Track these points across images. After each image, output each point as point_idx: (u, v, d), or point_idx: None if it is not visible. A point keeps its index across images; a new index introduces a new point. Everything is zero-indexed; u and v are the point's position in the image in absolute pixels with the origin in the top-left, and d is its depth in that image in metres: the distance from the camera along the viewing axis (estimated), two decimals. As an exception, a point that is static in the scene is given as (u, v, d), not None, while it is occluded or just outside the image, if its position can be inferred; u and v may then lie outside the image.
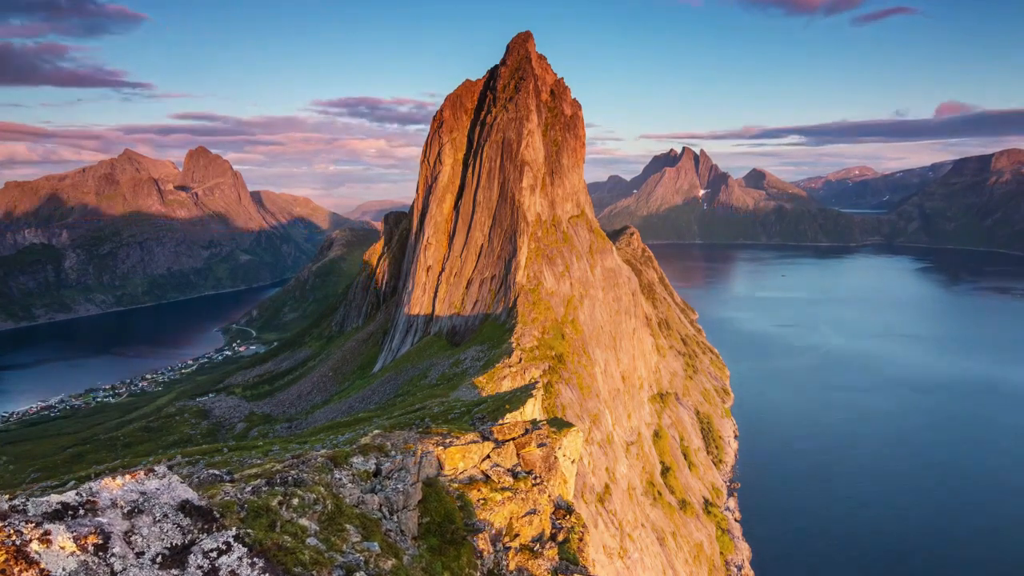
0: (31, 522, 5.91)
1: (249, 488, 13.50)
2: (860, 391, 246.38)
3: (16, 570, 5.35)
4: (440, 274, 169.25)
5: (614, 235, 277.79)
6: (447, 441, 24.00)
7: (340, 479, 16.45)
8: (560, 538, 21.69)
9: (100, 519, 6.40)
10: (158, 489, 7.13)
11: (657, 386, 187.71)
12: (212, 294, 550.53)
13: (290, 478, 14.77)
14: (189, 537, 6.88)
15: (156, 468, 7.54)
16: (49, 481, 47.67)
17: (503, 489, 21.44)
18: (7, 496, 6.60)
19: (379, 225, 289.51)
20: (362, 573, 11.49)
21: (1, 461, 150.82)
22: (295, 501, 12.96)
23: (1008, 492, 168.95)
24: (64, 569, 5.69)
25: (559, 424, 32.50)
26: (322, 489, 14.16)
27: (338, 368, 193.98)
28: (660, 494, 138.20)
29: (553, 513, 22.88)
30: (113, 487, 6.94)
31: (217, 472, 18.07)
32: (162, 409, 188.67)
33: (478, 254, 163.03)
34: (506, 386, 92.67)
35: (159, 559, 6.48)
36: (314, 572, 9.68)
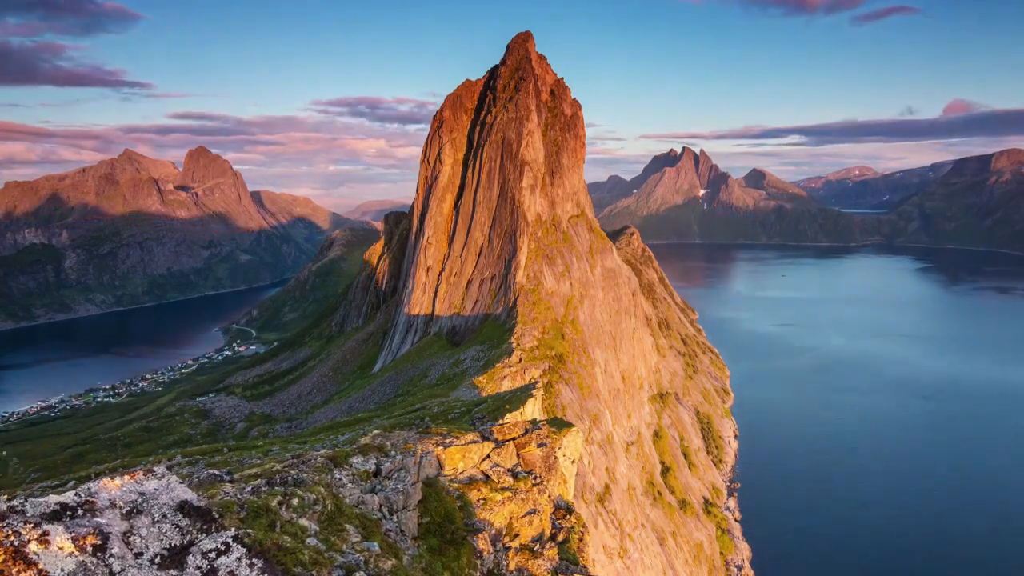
0: (29, 523, 5.90)
1: (249, 488, 13.49)
2: (860, 391, 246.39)
3: (14, 571, 5.33)
4: (440, 274, 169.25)
5: (614, 235, 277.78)
6: (447, 441, 23.98)
7: (340, 479, 16.44)
8: (560, 538, 21.67)
9: (99, 520, 6.38)
10: (157, 490, 7.11)
11: (657, 386, 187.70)
12: (212, 294, 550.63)
13: (290, 478, 14.75)
14: (188, 538, 6.86)
15: (155, 469, 7.53)
16: (49, 481, 47.63)
17: (503, 489, 21.42)
18: (5, 496, 6.59)
19: (379, 225, 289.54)
20: (362, 573, 11.47)
21: (3, 455, 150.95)
22: (295, 501, 12.95)
23: (1009, 492, 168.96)
24: (62, 570, 5.67)
25: (559, 424, 32.48)
26: (322, 489, 14.14)
27: (338, 368, 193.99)
28: (660, 494, 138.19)
29: (553, 513, 22.86)
30: (112, 488, 6.92)
31: (217, 472, 18.06)
32: (162, 409, 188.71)
33: (478, 254, 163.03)
34: (506, 386, 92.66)
35: (158, 560, 6.46)
36: (314, 572, 9.66)
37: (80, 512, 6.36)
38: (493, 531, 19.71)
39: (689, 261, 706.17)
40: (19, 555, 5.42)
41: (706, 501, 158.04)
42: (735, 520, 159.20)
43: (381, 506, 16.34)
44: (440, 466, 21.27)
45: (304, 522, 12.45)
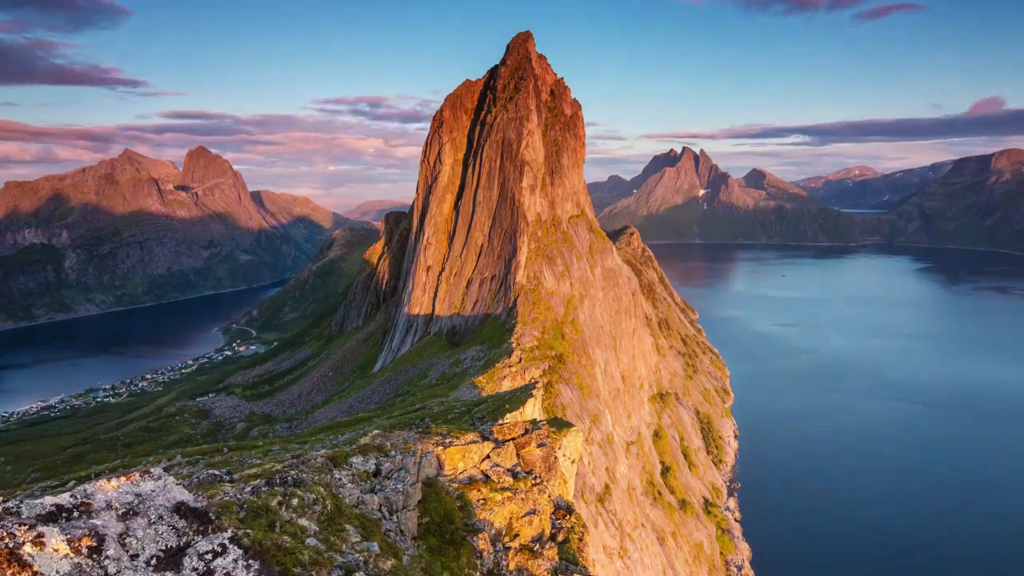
0: (24, 524, 5.85)
1: (249, 488, 13.45)
2: (860, 391, 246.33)
3: (9, 573, 5.28)
4: (440, 274, 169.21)
5: (614, 235, 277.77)
6: (447, 441, 23.94)
7: (340, 479, 16.40)
8: (560, 538, 21.62)
9: (94, 521, 6.33)
10: (153, 491, 7.06)
11: (657, 386, 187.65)
12: (212, 294, 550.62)
13: (290, 478, 14.71)
14: (184, 539, 6.81)
15: (152, 470, 7.48)
16: (49, 481, 47.58)
17: (503, 489, 21.37)
18: (1, 498, 6.53)
19: (379, 225, 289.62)
20: (361, 573, 11.43)
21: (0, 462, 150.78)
22: (295, 501, 12.90)
23: (1009, 492, 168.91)
24: (57, 572, 5.62)
25: (559, 424, 32.42)
26: (322, 489, 14.10)
27: (338, 368, 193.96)
28: (660, 494, 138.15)
29: (553, 513, 22.82)
30: (108, 489, 6.87)
31: (217, 472, 18.01)
32: (162, 409, 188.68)
33: (478, 254, 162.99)
34: (506, 386, 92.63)
35: (154, 561, 6.41)
36: (313, 572, 9.62)
37: (76, 514, 6.31)
38: (493, 531, 19.66)
39: (689, 261, 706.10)
40: (14, 557, 5.37)
41: (706, 501, 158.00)
42: (735, 520, 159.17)
43: (381, 506, 16.30)
44: (440, 466, 21.22)
45: (304, 522, 12.41)
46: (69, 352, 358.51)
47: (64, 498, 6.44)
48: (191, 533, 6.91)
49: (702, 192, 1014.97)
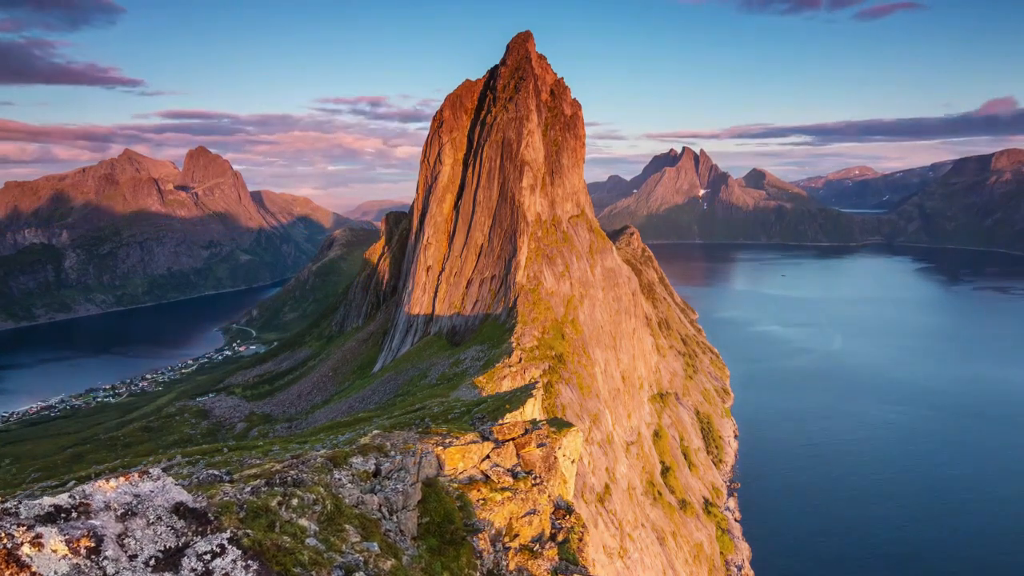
0: (23, 525, 5.83)
1: (248, 488, 13.43)
2: (860, 391, 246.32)
3: (7, 574, 5.26)
4: (440, 274, 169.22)
5: (614, 235, 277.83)
6: (447, 441, 23.92)
7: (340, 479, 16.38)
8: (560, 538, 21.61)
9: (93, 522, 6.31)
10: (152, 491, 7.04)
11: (657, 386, 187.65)
12: (212, 294, 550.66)
13: (289, 478, 14.70)
14: (183, 540, 6.79)
15: (150, 470, 7.46)
16: (49, 481, 47.57)
17: (503, 489, 21.36)
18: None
19: (379, 225, 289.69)
20: (361, 573, 11.42)
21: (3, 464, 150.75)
22: (294, 501, 12.89)
23: (1009, 492, 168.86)
24: (56, 572, 5.61)
25: (559, 424, 32.39)
26: (321, 489, 14.08)
27: (338, 368, 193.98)
28: (660, 494, 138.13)
29: (553, 513, 22.80)
30: (107, 489, 6.85)
31: (216, 472, 18.00)
32: (162, 409, 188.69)
33: (478, 254, 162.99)
34: (506, 386, 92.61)
35: (152, 562, 6.40)
36: (313, 572, 9.61)
37: (74, 514, 6.29)
38: (493, 531, 19.65)
39: (689, 261, 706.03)
40: (12, 558, 5.35)
41: (706, 501, 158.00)
42: (735, 520, 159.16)
43: (381, 506, 16.28)
44: (440, 466, 21.21)
45: (303, 522, 12.39)
46: (69, 352, 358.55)
47: (63, 498, 6.42)
48: (190, 534, 6.89)
49: (702, 192, 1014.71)
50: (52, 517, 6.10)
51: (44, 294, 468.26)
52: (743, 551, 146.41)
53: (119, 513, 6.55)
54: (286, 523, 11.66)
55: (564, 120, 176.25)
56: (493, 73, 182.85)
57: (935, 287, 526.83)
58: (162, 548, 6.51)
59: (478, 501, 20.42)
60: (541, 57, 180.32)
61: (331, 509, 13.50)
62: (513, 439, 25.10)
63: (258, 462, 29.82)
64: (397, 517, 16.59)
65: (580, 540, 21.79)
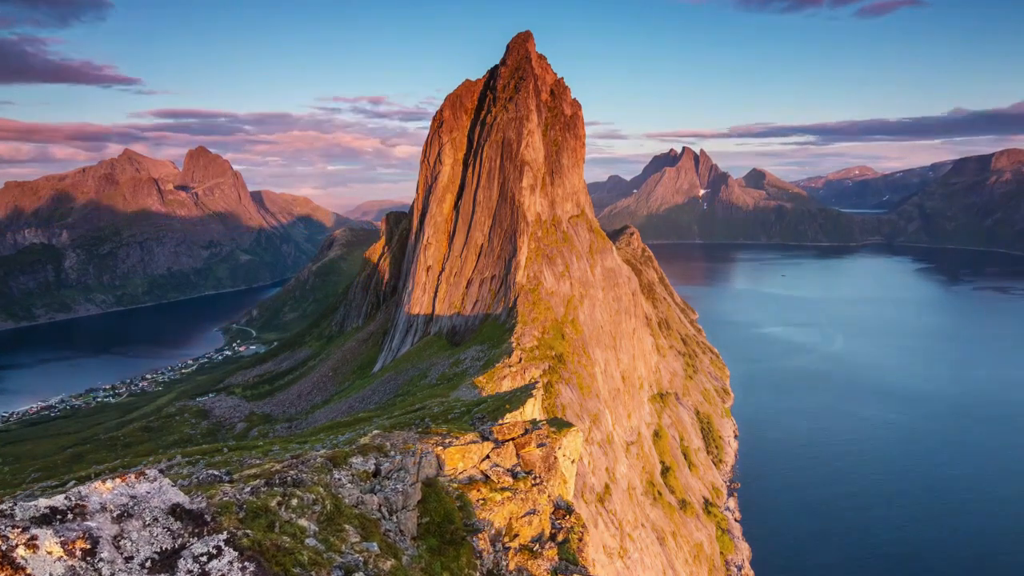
0: (17, 527, 5.78)
1: (248, 488, 13.39)
2: (860, 391, 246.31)
3: (1, 576, 5.21)
4: (440, 274, 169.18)
5: (614, 235, 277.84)
6: (447, 441, 23.88)
7: (339, 479, 16.34)
8: (560, 538, 21.56)
9: (89, 523, 6.26)
10: (148, 493, 6.99)
11: (657, 386, 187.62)
12: (212, 294, 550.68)
13: (289, 478, 14.65)
14: (179, 541, 6.74)
15: (147, 471, 7.42)
16: (49, 481, 47.53)
17: (503, 489, 21.31)
18: (-5, 499, 6.48)
19: (379, 225, 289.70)
20: (361, 573, 11.38)
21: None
22: (294, 501, 12.84)
23: (1010, 492, 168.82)
24: (51, 574, 5.55)
25: (559, 424, 32.34)
26: (321, 489, 14.03)
27: (338, 368, 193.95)
28: (660, 494, 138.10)
29: (553, 513, 22.75)
30: (103, 491, 6.80)
31: (216, 472, 17.97)
32: (162, 409, 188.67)
33: (478, 254, 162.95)
34: (506, 386, 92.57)
35: (148, 564, 6.34)
36: (313, 572, 9.57)
37: (70, 516, 6.24)
38: (493, 531, 19.60)
39: (689, 261, 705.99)
40: (6, 560, 5.30)
41: (706, 501, 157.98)
42: (735, 520, 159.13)
43: (380, 506, 16.24)
44: (440, 466, 21.16)
45: (303, 522, 12.35)
46: (69, 352, 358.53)
47: (58, 500, 6.37)
48: (186, 535, 6.84)
49: (702, 192, 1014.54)
50: (47, 519, 6.05)
51: (44, 294, 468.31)
52: (743, 551, 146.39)
53: (115, 515, 6.50)
54: (286, 523, 11.61)
55: (564, 120, 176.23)
56: (493, 73, 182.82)
57: (935, 287, 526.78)
58: (158, 550, 6.46)
59: (478, 501, 20.37)
60: (541, 57, 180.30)
61: (331, 509, 13.45)
62: (513, 439, 25.05)
63: (258, 462, 29.77)
64: (397, 517, 16.54)
65: (580, 540, 21.74)
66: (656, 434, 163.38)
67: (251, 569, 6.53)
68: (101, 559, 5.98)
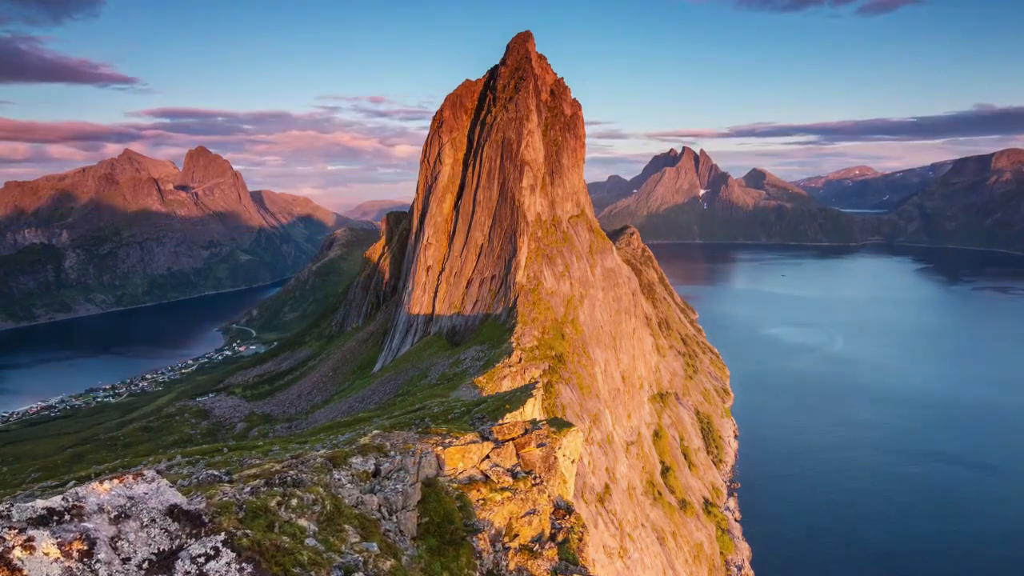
0: (14, 528, 5.74)
1: (248, 489, 13.36)
2: (860, 391, 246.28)
3: (-2, 577, 5.18)
4: (440, 274, 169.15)
5: (614, 235, 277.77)
6: (447, 441, 23.85)
7: (339, 479, 16.31)
8: (560, 538, 21.53)
9: (86, 524, 6.23)
10: (146, 494, 6.96)
11: (657, 386, 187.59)
12: (212, 294, 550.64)
13: (289, 478, 14.62)
14: (177, 542, 6.71)
15: (145, 472, 7.38)
16: (49, 481, 47.49)
17: (503, 489, 21.28)
18: (-7, 499, 6.45)
19: (380, 225, 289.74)
20: (361, 574, 11.35)
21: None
22: (294, 502, 12.81)
23: (1010, 492, 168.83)
24: (48, 576, 5.52)
25: (559, 424, 32.31)
26: (321, 489, 14.00)
27: (338, 368, 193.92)
28: (660, 494, 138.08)
29: (553, 513, 22.72)
30: (100, 491, 6.77)
31: (216, 472, 17.94)
32: (162, 409, 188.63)
33: (478, 254, 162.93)
34: (506, 386, 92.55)
35: (145, 565, 6.31)
36: (312, 573, 9.54)
37: (67, 517, 6.21)
38: (493, 531, 19.57)
39: (689, 261, 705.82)
40: (3, 561, 5.27)
41: (706, 501, 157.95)
42: (735, 520, 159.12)
43: (380, 506, 16.21)
44: (440, 466, 21.13)
45: (303, 522, 12.32)
46: (69, 352, 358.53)
47: (55, 501, 6.34)
48: (184, 536, 6.81)
49: (702, 192, 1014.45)
50: (44, 520, 6.02)
51: (44, 294, 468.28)
52: (743, 551, 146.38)
53: (112, 516, 6.47)
54: (285, 523, 11.58)
55: (564, 120, 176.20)
56: (493, 73, 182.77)
57: (935, 287, 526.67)
58: (156, 551, 6.43)
59: (478, 501, 20.34)
60: (541, 57, 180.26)
61: (330, 509, 13.42)
62: (513, 439, 25.02)
63: (258, 462, 29.73)
64: (397, 517, 16.51)
65: (580, 540, 21.71)
66: (656, 434, 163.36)
67: (249, 570, 6.50)
68: (98, 560, 5.95)
